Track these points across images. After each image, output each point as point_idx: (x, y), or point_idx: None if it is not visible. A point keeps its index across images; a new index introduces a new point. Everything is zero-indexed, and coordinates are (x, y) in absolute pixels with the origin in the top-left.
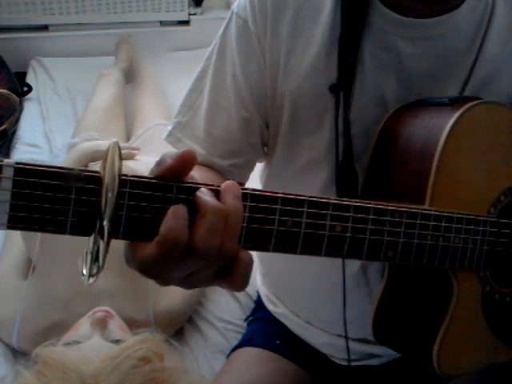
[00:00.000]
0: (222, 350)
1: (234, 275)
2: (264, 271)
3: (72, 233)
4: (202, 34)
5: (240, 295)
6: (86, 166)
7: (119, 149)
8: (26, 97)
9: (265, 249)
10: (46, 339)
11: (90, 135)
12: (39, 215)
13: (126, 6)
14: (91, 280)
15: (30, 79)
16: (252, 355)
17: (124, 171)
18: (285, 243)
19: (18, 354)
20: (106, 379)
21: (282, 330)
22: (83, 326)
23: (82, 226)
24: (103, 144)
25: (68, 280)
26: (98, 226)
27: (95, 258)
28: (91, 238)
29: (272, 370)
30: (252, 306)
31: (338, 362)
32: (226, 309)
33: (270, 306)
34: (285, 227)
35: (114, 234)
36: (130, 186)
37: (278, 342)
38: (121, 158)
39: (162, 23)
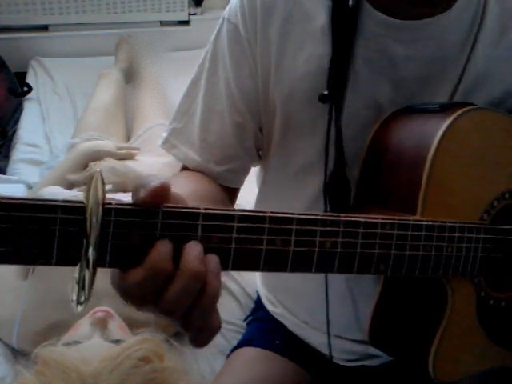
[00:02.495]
0: (221, 350)
1: (197, 335)
2: (263, 272)
3: (58, 263)
4: (201, 34)
5: (240, 295)
6: (86, 166)
7: (102, 178)
8: (26, 97)
9: (254, 269)
10: (46, 339)
11: (90, 135)
12: (24, 249)
13: (126, 5)
14: (80, 308)
15: (30, 79)
16: (252, 355)
17: (124, 171)
18: (274, 262)
19: (18, 354)
20: (106, 379)
21: (282, 329)
22: (83, 326)
23: (68, 257)
24: (103, 144)
25: (68, 280)
26: (83, 255)
27: (82, 287)
28: (77, 268)
29: (272, 369)
30: (252, 306)
31: (337, 362)
32: (225, 309)
33: (269, 306)
34: (274, 246)
35: (100, 262)
36: (115, 214)
37: (277, 341)
38: (103, 183)
39: (162, 23)
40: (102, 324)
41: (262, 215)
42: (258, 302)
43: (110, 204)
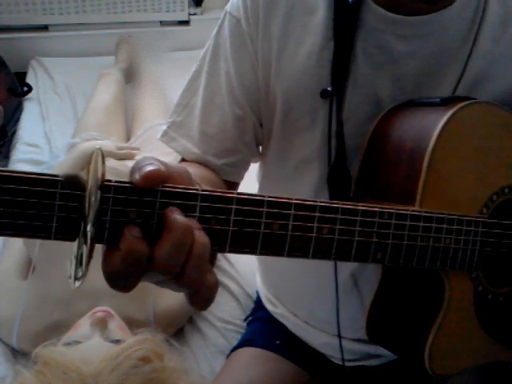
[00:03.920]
0: (221, 350)
1: (195, 295)
2: (263, 271)
3: (56, 238)
4: (201, 34)
5: (240, 295)
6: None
7: (102, 155)
8: (26, 97)
9: (251, 252)
10: (46, 339)
11: (90, 135)
12: (23, 221)
13: (126, 5)
14: (77, 283)
15: (30, 79)
16: (252, 355)
17: (124, 171)
18: (271, 246)
19: (18, 354)
20: (105, 379)
21: (282, 330)
22: (83, 326)
23: (67, 231)
24: (103, 144)
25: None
26: (81, 230)
27: (80, 262)
28: (75, 243)
29: (272, 370)
30: (252, 305)
31: (337, 362)
32: (226, 309)
33: (269, 306)
34: (271, 230)
35: (98, 239)
36: (114, 191)
37: (277, 342)
38: (103, 163)
39: (162, 23)
40: (102, 324)
41: (261, 199)
42: (258, 302)
43: (109, 181)
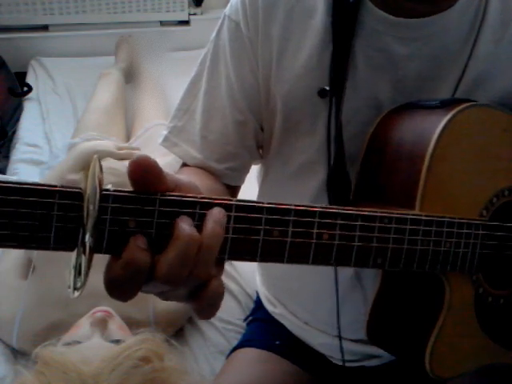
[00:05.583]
0: (221, 350)
1: (200, 301)
2: (263, 272)
3: (55, 248)
4: (201, 34)
5: (240, 295)
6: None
7: (100, 163)
8: (26, 97)
9: (251, 259)
10: (46, 339)
11: (90, 135)
12: (22, 232)
13: (126, 5)
14: (76, 293)
15: (30, 79)
16: (252, 355)
17: (124, 171)
18: (271, 253)
19: (18, 354)
20: (106, 379)
21: (282, 330)
22: (83, 326)
23: (66, 242)
24: (103, 144)
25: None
26: (80, 240)
27: (78, 272)
28: (74, 253)
29: (272, 370)
30: (252, 306)
31: (336, 362)
32: (225, 309)
33: (269, 307)
34: (271, 237)
35: (97, 248)
36: (113, 200)
37: (277, 342)
38: (102, 172)
39: (162, 23)
40: (102, 324)
41: (260, 206)
42: (258, 302)
43: (107, 190)
